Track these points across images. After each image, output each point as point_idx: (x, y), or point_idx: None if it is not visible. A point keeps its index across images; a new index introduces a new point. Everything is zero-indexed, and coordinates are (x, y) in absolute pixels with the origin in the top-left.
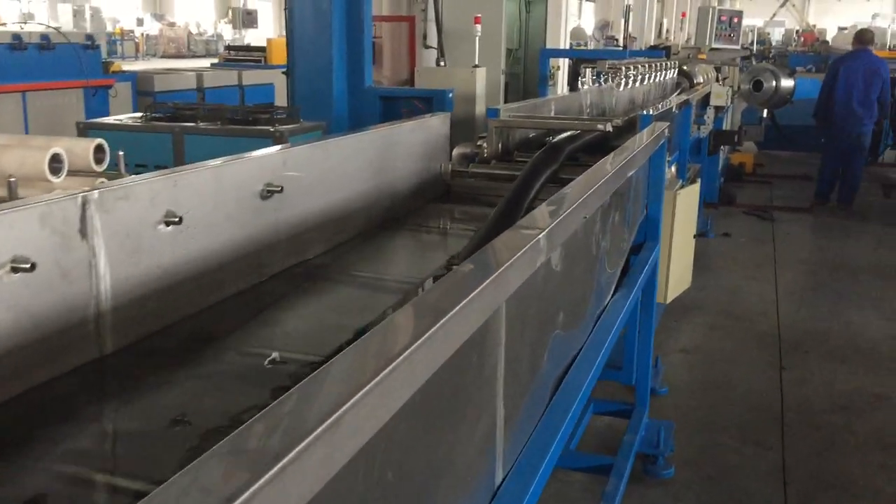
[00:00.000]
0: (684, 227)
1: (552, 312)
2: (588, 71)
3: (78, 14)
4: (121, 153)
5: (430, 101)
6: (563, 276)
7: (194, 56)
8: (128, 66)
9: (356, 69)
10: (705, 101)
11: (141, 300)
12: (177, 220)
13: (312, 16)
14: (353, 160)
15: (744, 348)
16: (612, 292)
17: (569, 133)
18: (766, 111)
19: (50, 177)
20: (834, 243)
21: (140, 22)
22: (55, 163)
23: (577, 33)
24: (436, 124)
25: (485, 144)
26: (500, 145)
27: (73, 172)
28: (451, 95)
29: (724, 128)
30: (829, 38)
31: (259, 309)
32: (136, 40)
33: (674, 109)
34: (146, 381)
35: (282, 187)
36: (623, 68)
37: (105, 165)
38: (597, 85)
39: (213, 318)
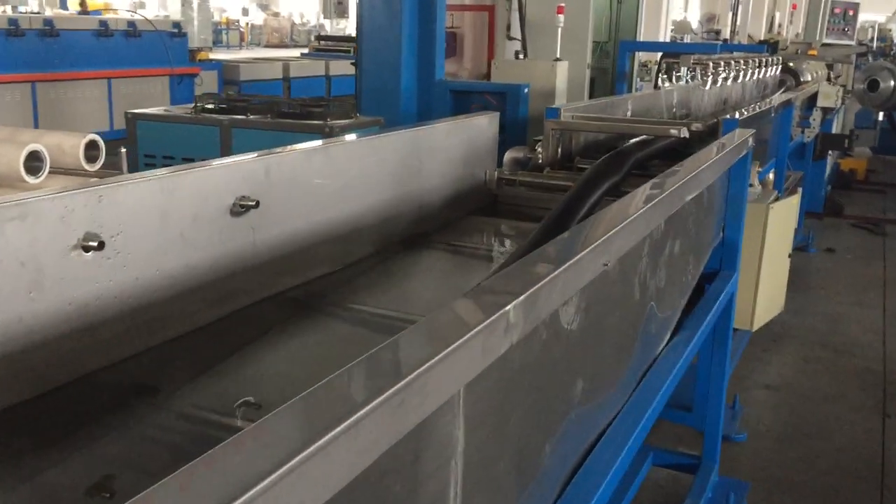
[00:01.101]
0: (778, 244)
1: (560, 388)
2: (668, 66)
3: (186, 3)
4: (123, 150)
5: (504, 97)
6: (581, 338)
7: (296, 46)
8: (230, 56)
9: (427, 61)
10: (812, 101)
11: (41, 345)
12: (97, 244)
13: (382, 3)
14: (366, 167)
15: (841, 387)
16: (668, 336)
17: (641, 138)
18: (881, 113)
19: (26, 177)
20: None
21: (245, 12)
22: (34, 161)
23: (681, 26)
24: (481, 125)
25: (540, 149)
26: (559, 150)
27: (60, 171)
28: (526, 91)
29: (833, 131)
30: None
31: (217, 354)
32: (242, 30)
33: (772, 112)
34: (30, 454)
35: (257, 202)
36: (711, 64)
37: (99, 163)
38: (682, 83)
39: (151, 367)
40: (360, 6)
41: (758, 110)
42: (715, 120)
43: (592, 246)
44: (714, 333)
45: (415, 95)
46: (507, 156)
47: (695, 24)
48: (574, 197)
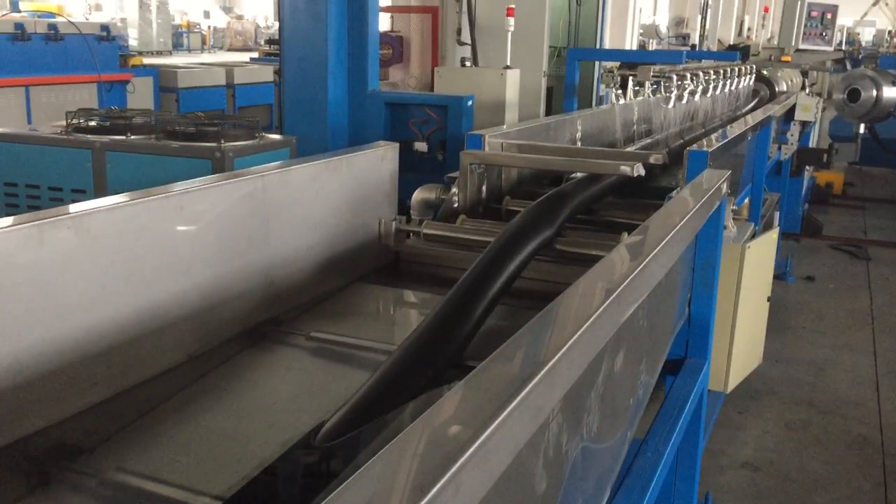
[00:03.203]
0: (756, 287)
1: None
2: (624, 78)
3: (143, 6)
4: None
5: (445, 110)
6: None
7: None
8: (192, 59)
9: (358, 69)
10: (789, 114)
11: None
12: None
13: (304, 2)
14: (169, 238)
15: (833, 465)
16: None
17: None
18: (862, 126)
19: None
20: None
21: (207, 14)
22: None
23: (649, 31)
24: (372, 160)
25: (455, 189)
26: (483, 188)
27: None
28: (470, 103)
29: (810, 144)
30: None
31: None
32: (203, 33)
33: (748, 135)
34: None
35: None
36: (675, 77)
37: None
38: (641, 98)
39: None
40: (280, 5)
41: (730, 136)
42: (680, 141)
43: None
44: (681, 449)
45: (345, 108)
46: (416, 196)
47: (663, 29)
48: (486, 265)
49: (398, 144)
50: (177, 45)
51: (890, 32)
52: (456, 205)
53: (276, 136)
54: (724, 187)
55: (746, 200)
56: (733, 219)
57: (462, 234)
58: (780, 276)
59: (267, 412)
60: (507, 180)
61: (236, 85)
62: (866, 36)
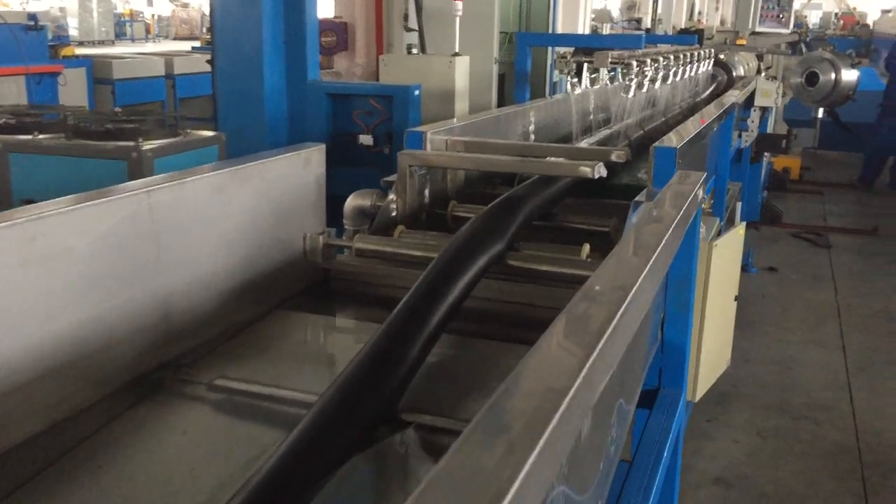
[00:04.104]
0: (723, 287)
1: None
2: (579, 65)
3: None
4: None
5: (391, 101)
6: None
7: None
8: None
9: (297, 58)
10: (748, 100)
11: None
12: None
13: None
14: (14, 276)
15: (809, 476)
16: None
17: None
18: (821, 110)
19: None
20: None
21: (150, 2)
22: None
23: (602, 15)
24: (294, 165)
25: (393, 195)
26: (425, 193)
27: None
28: (417, 93)
29: (767, 130)
30: (870, 21)
31: None
32: (147, 22)
33: (714, 124)
34: None
35: None
36: (635, 63)
37: None
38: (598, 86)
39: None
40: None
41: (698, 129)
42: (641, 132)
43: None
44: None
45: (284, 99)
46: (349, 204)
47: (615, 13)
48: (424, 293)
49: (324, 146)
50: (120, 35)
51: (836, 15)
52: (394, 213)
53: (204, 133)
54: (701, 193)
55: (708, 197)
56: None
57: (399, 248)
58: (742, 267)
59: (151, 495)
60: (453, 182)
61: (177, 75)
62: (813, 18)
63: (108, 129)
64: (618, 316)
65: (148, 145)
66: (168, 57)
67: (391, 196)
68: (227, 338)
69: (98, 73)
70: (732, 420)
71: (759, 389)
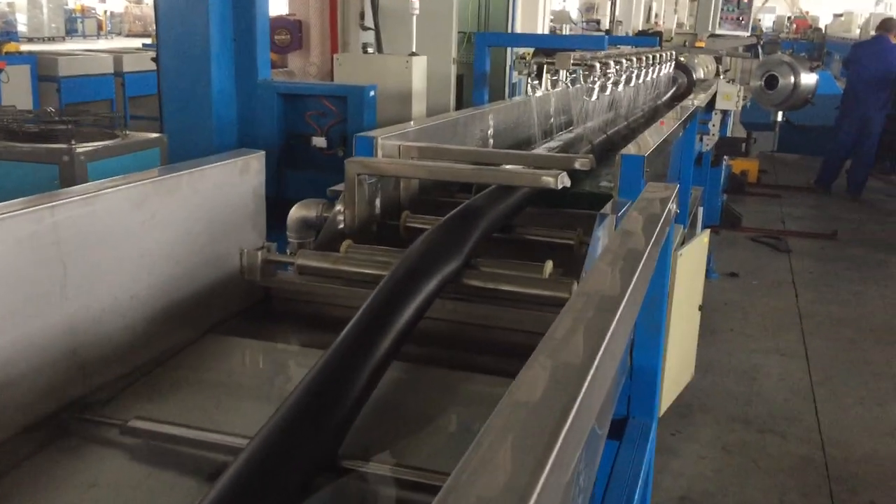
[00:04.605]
0: (687, 297)
1: None
2: (540, 67)
3: None
4: None
5: (345, 101)
6: None
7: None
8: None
9: (246, 56)
10: (709, 104)
11: None
12: None
13: None
14: None
15: (777, 492)
16: None
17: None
18: (780, 114)
19: None
20: (872, 288)
21: None
22: None
23: (561, 17)
24: (226, 176)
25: (340, 206)
26: (376, 202)
27: None
28: (372, 94)
29: (727, 133)
30: (821, 25)
31: None
32: (99, 18)
33: (680, 129)
34: None
35: None
36: (598, 65)
37: None
38: (559, 88)
39: None
40: None
41: (664, 134)
42: (603, 136)
43: None
44: None
45: (233, 100)
46: (293, 215)
47: (574, 14)
48: (369, 320)
49: (264, 153)
50: (71, 31)
51: (789, 18)
52: (341, 225)
53: (145, 135)
54: (675, 207)
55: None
56: None
57: (345, 265)
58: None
59: None
60: (406, 190)
61: (126, 73)
62: (767, 22)
63: (38, 130)
64: (602, 349)
65: (82, 148)
66: (117, 54)
67: (338, 207)
68: (147, 371)
69: (43, 71)
70: (697, 434)
71: (724, 400)
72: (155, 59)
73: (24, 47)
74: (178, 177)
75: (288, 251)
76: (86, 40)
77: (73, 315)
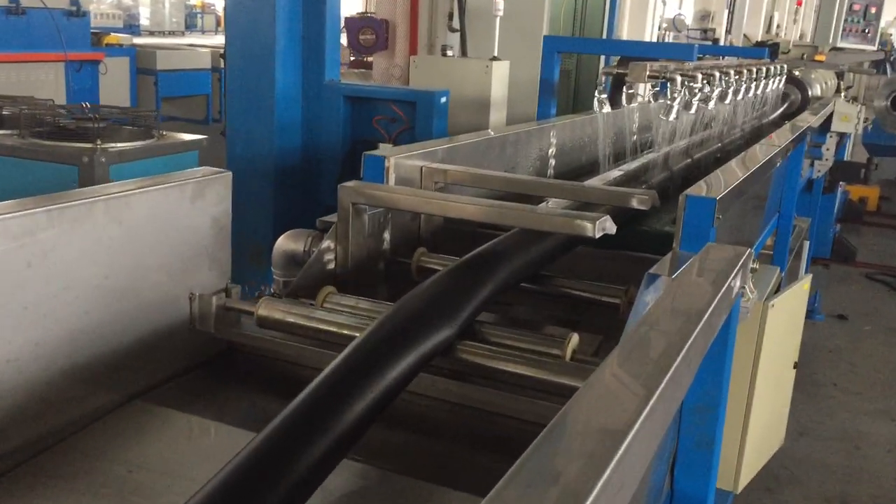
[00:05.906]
0: (778, 357)
1: None
2: (617, 78)
3: None
4: None
5: (414, 107)
6: None
7: None
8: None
9: (313, 55)
10: (824, 124)
11: None
12: None
13: None
14: None
15: None
16: None
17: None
18: None
19: None
20: None
21: None
22: None
23: (677, 24)
24: (174, 203)
25: (331, 243)
26: (384, 237)
27: None
28: (444, 100)
29: (845, 157)
30: None
31: None
32: (218, 14)
33: (777, 160)
34: None
35: None
36: (679, 77)
37: None
38: (635, 103)
39: None
40: None
41: (751, 168)
42: (687, 161)
43: None
44: None
45: (298, 101)
46: (279, 247)
47: (688, 23)
48: (319, 395)
49: (230, 174)
50: (191, 26)
51: None
52: (331, 265)
53: (183, 137)
54: (738, 282)
55: (771, 234)
56: (752, 262)
57: (313, 321)
58: (806, 313)
59: None
60: (428, 220)
61: (224, 69)
62: None
63: (64, 127)
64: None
65: (106, 149)
66: (215, 50)
67: (326, 243)
68: (39, 450)
69: (141, 64)
70: None
71: (818, 473)
72: (222, 56)
73: (141, 41)
74: (87, 204)
75: (272, 289)
76: (203, 35)
77: None
